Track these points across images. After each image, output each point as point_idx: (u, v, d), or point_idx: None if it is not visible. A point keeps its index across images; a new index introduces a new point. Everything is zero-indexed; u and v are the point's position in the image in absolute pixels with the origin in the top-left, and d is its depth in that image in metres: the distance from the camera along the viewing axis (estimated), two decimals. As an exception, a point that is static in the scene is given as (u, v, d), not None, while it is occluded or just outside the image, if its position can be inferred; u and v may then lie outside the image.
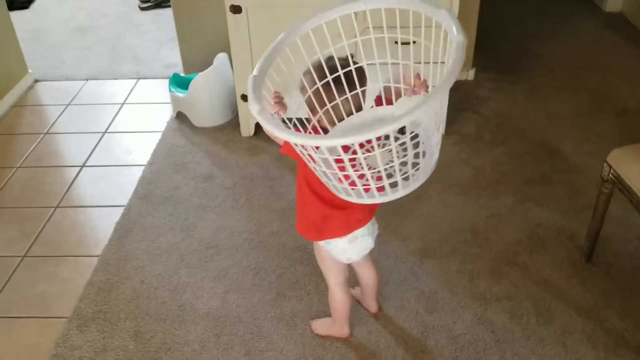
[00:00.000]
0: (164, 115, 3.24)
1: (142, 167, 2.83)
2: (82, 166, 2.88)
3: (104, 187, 2.74)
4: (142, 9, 4.79)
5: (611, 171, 1.97)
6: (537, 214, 2.43)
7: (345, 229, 1.58)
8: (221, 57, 3.11)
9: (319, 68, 1.44)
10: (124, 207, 2.57)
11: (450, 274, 2.17)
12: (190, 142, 2.99)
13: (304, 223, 1.64)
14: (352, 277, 1.92)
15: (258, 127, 3.02)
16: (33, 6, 4.87)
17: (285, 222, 2.43)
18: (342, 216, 1.56)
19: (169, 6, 4.78)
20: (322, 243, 1.66)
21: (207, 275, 2.20)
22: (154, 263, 2.26)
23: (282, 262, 2.24)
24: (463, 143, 2.92)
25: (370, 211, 1.64)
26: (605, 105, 3.18)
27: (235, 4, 2.65)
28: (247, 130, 3.02)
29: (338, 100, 1.46)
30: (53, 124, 3.23)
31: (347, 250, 1.64)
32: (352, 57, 1.46)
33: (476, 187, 2.61)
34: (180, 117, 3.17)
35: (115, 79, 3.68)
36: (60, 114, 3.32)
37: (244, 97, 2.90)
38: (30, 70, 3.66)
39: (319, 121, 1.48)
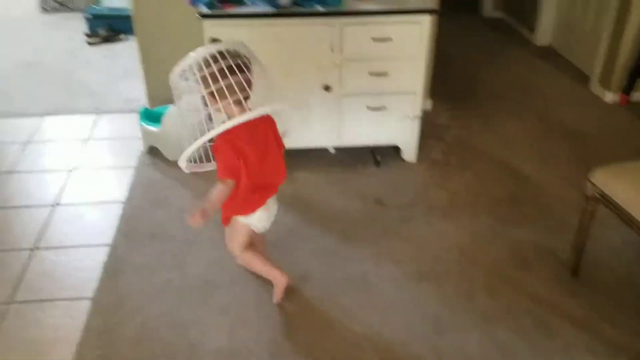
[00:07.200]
0: (133, 149, 3.17)
1: (120, 204, 2.75)
2: (55, 205, 2.75)
3: (81, 226, 2.63)
4: (90, 44, 4.68)
5: (595, 190, 2.15)
6: (515, 233, 2.59)
7: (262, 202, 2.00)
8: (194, 91, 3.10)
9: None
10: (108, 246, 2.48)
11: (449, 294, 2.26)
12: (167, 176, 2.95)
13: (230, 212, 2.03)
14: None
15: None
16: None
17: (278, 252, 2.45)
18: (260, 193, 1.98)
19: (118, 41, 4.75)
20: (242, 219, 2.02)
21: (210, 311, 2.17)
22: (152, 302, 2.20)
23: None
24: (434, 169, 3.07)
25: (276, 185, 2.05)
26: (552, 128, 3.46)
27: (214, 37, 2.68)
28: (223, 162, 3.01)
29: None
30: (15, 162, 3.07)
31: (263, 218, 2.03)
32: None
33: (455, 209, 2.75)
34: (152, 151, 3.12)
35: (73, 114, 3.57)
36: (21, 151, 3.16)
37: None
38: (-21, 107, 3.48)
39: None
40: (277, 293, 2.19)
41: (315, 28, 2.73)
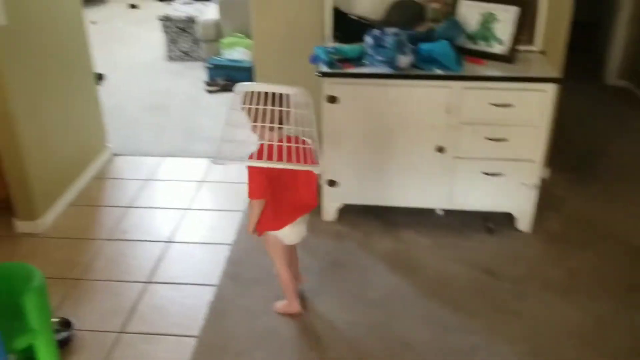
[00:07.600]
0: (242, 194, 3.26)
1: (228, 246, 2.81)
2: (169, 242, 2.86)
3: (191, 264, 2.71)
4: (209, 92, 4.97)
5: None
6: (643, 322, 2.36)
7: (291, 220, 2.21)
8: (307, 143, 3.17)
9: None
10: (214, 287, 2.53)
11: (568, 381, 2.07)
12: (274, 224, 2.98)
13: (264, 226, 2.23)
14: None
15: (341, 212, 3.02)
16: (104, 84, 5.08)
17: (380, 314, 2.37)
18: (289, 212, 2.19)
19: (236, 90, 4.99)
20: (274, 233, 2.23)
21: (312, 366, 2.12)
22: (256, 348, 2.19)
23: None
24: (551, 242, 2.88)
25: (306, 209, 2.25)
26: (686, 212, 3.16)
27: (332, 94, 2.75)
28: (329, 214, 3.02)
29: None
30: (135, 198, 3.26)
31: (289, 234, 2.23)
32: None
33: (574, 289, 2.55)
34: (261, 198, 3.19)
35: (190, 157, 3.75)
36: (141, 188, 3.35)
37: (331, 182, 2.93)
38: (108, 144, 3.75)
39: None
40: (283, 308, 2.40)
41: (433, 90, 2.72)
